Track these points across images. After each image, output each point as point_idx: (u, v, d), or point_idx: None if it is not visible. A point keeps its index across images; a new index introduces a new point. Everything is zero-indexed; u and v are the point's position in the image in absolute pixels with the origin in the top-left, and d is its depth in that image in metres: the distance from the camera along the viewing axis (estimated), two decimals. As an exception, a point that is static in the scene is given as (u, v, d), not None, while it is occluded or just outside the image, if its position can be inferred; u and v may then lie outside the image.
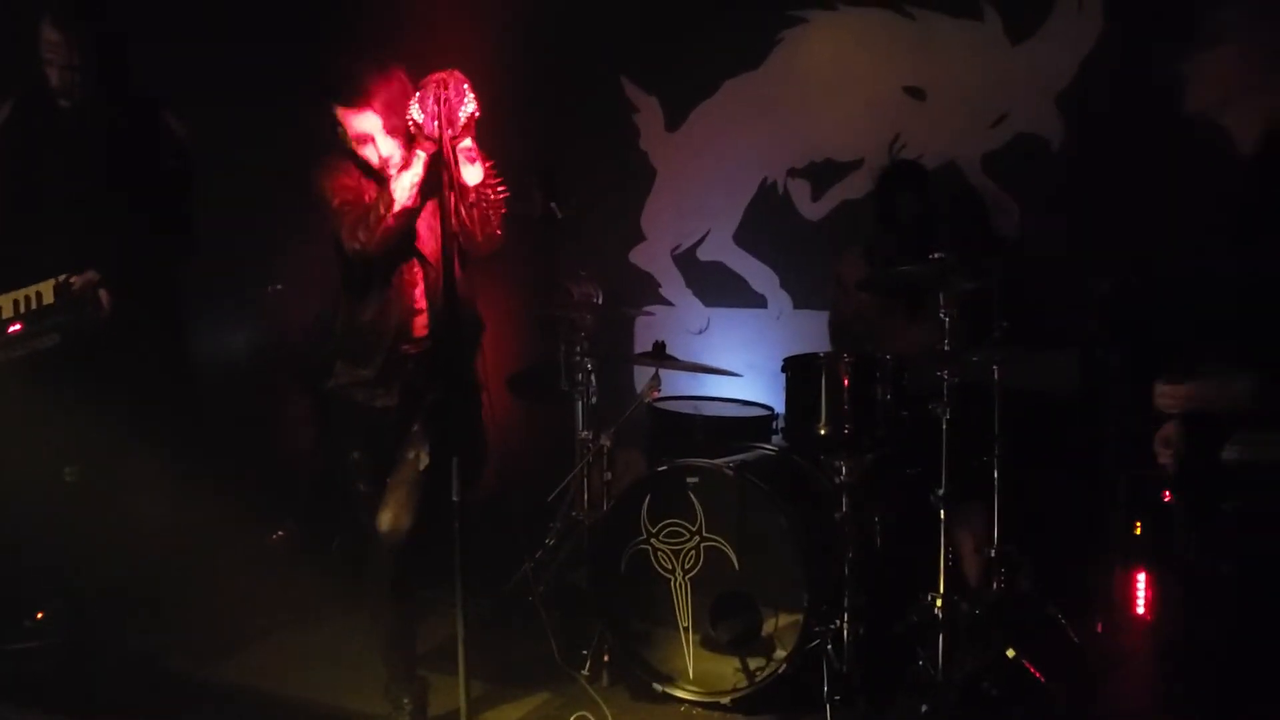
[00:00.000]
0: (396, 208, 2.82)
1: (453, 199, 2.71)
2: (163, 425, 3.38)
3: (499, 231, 2.98)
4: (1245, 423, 2.24)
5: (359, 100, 2.81)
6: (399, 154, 2.88)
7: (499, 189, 2.94)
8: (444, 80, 2.70)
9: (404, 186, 2.82)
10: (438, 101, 2.67)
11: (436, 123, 2.67)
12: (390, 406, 3.00)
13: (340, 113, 2.84)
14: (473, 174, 2.85)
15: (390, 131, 2.85)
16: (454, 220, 2.72)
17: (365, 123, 2.84)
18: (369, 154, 2.89)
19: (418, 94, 2.72)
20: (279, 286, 4.88)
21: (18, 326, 3.14)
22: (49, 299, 3.17)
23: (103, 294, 3.20)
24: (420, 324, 3.01)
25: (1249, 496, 2.26)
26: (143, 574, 3.54)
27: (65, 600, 3.51)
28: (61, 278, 3.18)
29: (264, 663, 3.60)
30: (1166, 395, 2.33)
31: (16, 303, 3.16)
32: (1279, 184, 2.25)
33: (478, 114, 2.75)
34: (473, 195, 2.89)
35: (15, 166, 3.35)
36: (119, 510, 3.34)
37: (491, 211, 2.93)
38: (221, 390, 4.49)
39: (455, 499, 2.61)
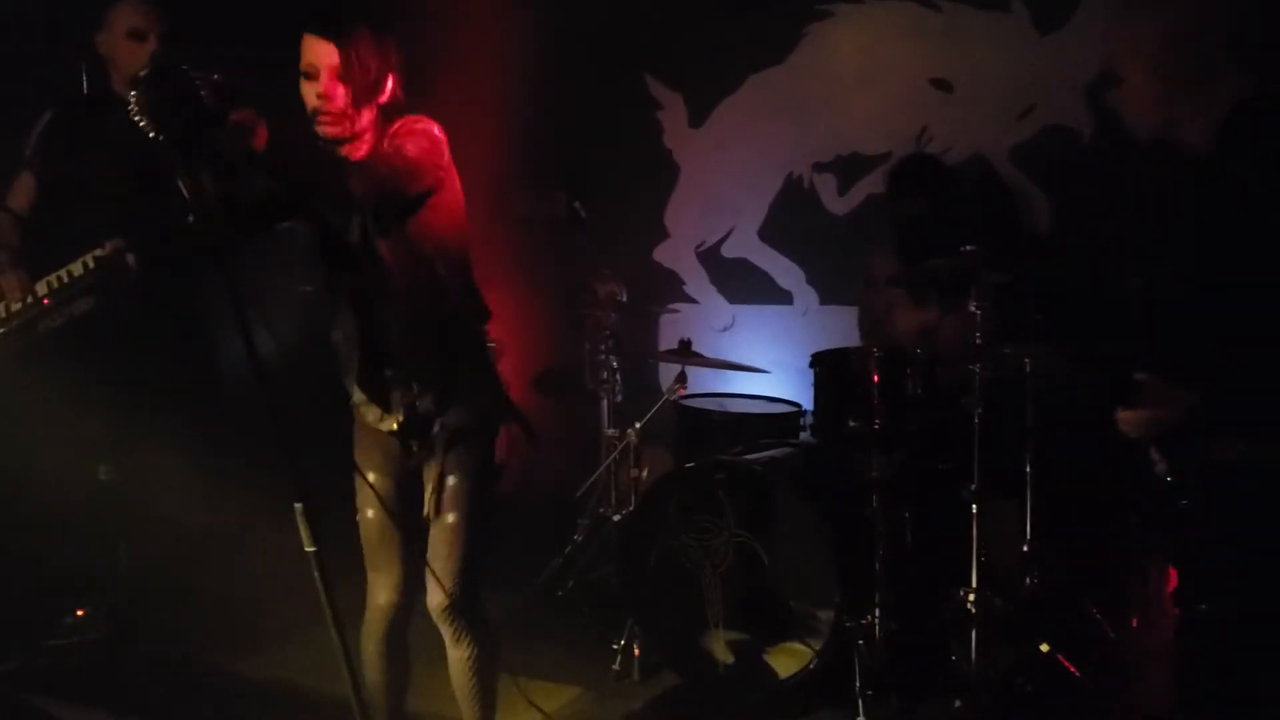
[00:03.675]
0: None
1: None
2: (193, 424, 3.40)
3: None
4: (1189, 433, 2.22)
5: (329, 33, 2.42)
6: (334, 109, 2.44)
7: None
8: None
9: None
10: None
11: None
12: (392, 431, 2.60)
13: (304, 39, 2.44)
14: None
15: (342, 80, 2.43)
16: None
17: (324, 55, 2.42)
18: (305, 91, 2.45)
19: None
20: (309, 289, 4.89)
21: (47, 302, 3.23)
22: (79, 272, 3.23)
23: (129, 258, 3.24)
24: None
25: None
26: (177, 572, 3.56)
27: (103, 598, 3.53)
28: (92, 254, 3.24)
29: (297, 659, 3.60)
30: (1127, 422, 2.30)
31: (50, 284, 3.24)
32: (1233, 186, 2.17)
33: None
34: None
35: (54, 167, 3.40)
36: (153, 508, 3.35)
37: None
38: (253, 389, 4.50)
39: (310, 549, 2.13)
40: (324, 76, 2.43)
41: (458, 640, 2.61)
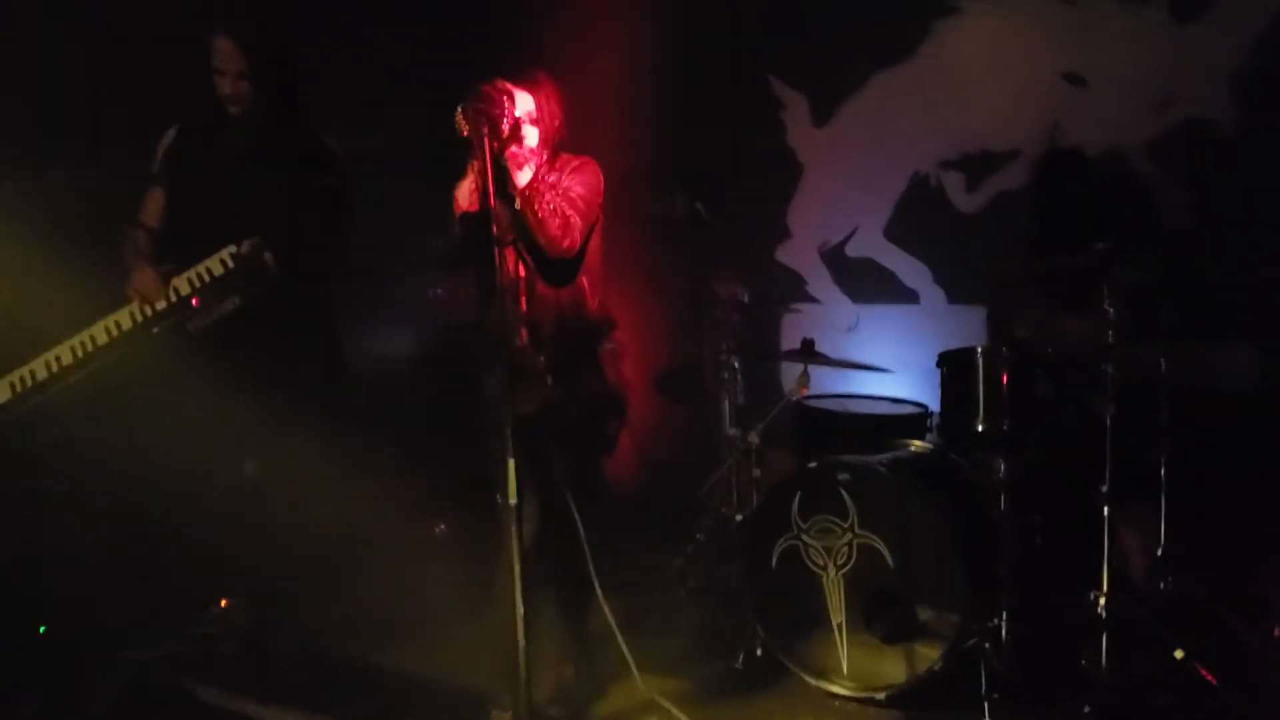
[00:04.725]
0: (456, 212, 2.91)
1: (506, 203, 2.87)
2: (333, 421, 3.51)
3: (557, 234, 2.93)
4: None
5: (526, 82, 2.97)
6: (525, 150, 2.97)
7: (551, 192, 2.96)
8: (485, 93, 2.75)
9: (463, 192, 2.89)
10: (478, 114, 2.69)
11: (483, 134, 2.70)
12: (530, 415, 2.88)
13: (510, 89, 2.87)
14: (522, 177, 2.92)
15: (532, 122, 2.98)
16: (499, 225, 2.78)
17: (524, 103, 2.95)
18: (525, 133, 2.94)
19: (460, 109, 2.71)
20: (439, 290, 5.05)
21: (195, 301, 3.36)
22: (219, 270, 3.36)
23: (268, 255, 3.36)
24: (523, 332, 3.01)
25: None
26: (316, 564, 3.68)
27: (247, 587, 3.68)
28: (228, 249, 3.36)
29: (430, 651, 3.72)
30: None
31: (190, 280, 3.36)
32: None
33: (521, 121, 2.91)
34: (530, 196, 2.91)
35: (182, 182, 3.49)
36: (293, 503, 3.44)
37: (545, 214, 2.91)
38: (386, 389, 4.67)
39: (512, 501, 2.62)
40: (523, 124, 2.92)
41: (565, 600, 3.18)
